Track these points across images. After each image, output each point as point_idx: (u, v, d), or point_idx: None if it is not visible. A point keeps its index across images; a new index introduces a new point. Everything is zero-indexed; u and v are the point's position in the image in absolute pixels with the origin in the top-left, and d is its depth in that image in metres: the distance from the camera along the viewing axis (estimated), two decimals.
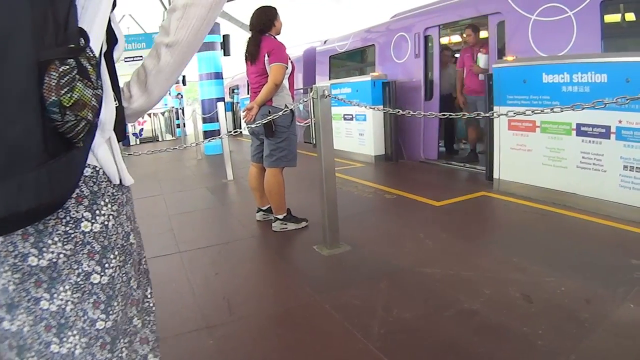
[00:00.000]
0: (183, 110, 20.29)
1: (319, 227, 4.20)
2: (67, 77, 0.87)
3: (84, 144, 0.96)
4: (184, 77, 22.48)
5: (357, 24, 11.71)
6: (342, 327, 2.72)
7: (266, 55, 4.45)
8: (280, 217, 4.70)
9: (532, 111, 3.20)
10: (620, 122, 4.37)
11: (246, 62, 4.76)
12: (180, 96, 22.77)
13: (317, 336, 2.68)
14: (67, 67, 0.88)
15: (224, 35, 12.50)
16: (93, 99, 0.93)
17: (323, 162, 3.92)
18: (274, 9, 4.70)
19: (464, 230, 4.46)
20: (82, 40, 0.94)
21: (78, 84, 0.89)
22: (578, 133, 4.80)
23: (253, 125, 4.46)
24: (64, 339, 1.05)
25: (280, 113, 4.30)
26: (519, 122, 5.46)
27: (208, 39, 11.95)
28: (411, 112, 3.85)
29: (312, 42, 13.86)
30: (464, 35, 8.03)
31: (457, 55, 8.89)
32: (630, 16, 5.80)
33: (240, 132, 4.79)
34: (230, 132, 4.99)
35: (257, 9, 4.67)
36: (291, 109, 4.49)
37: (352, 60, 12.11)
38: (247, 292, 3.40)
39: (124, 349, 1.16)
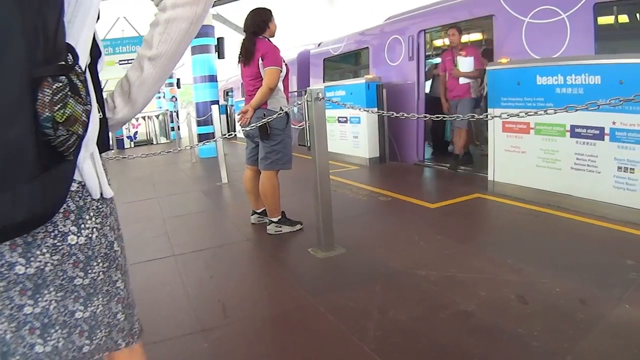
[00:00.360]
0: (177, 113, 20.26)
1: (314, 230, 4.19)
2: (60, 94, 0.91)
3: (73, 157, 1.00)
4: (178, 79, 22.43)
5: (351, 27, 11.70)
6: (338, 330, 2.71)
7: (260, 59, 4.42)
8: (275, 219, 4.68)
9: (526, 113, 3.20)
10: (614, 123, 4.38)
11: (240, 64, 4.73)
12: (174, 99, 22.72)
13: (313, 339, 2.67)
14: (60, 84, 0.91)
15: (218, 38, 12.49)
16: (83, 114, 0.97)
17: (317, 164, 3.92)
18: (269, 10, 4.64)
19: (459, 232, 4.46)
20: (71, 57, 0.97)
21: (70, 100, 0.93)
22: (572, 134, 4.81)
23: (248, 128, 4.44)
24: (48, 338, 1.10)
25: (274, 116, 4.28)
26: (513, 124, 5.47)
27: (203, 42, 12.00)
28: (405, 115, 3.85)
29: (306, 44, 13.87)
30: (450, 36, 7.71)
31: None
32: (623, 18, 5.82)
33: (235, 135, 4.76)
34: (225, 135, 4.96)
35: (251, 10, 4.63)
36: (286, 112, 4.47)
37: (346, 62, 12.12)
38: (241, 295, 3.39)
39: (103, 337, 1.23)
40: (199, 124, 12.43)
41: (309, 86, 11.82)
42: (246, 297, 3.34)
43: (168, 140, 20.59)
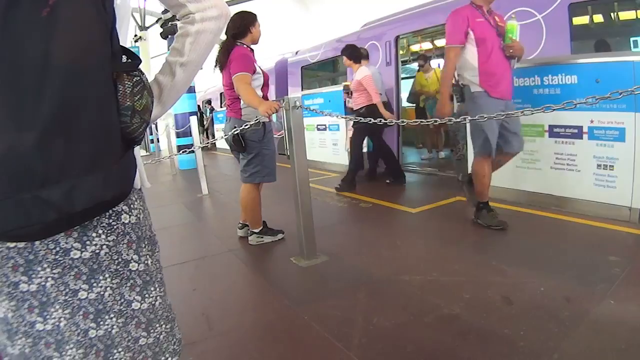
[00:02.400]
0: (156, 125, 20.15)
1: (296, 239, 4.17)
2: (139, 86, 1.06)
3: (139, 142, 1.14)
4: None
5: (327, 33, 11.78)
6: (323, 338, 2.68)
7: (230, 66, 4.24)
8: (256, 230, 4.64)
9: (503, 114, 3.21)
10: (592, 121, 4.42)
11: (217, 69, 4.51)
12: None
13: (298, 348, 2.64)
14: (138, 77, 1.06)
15: None
16: (151, 104, 1.12)
17: (297, 173, 3.89)
18: (253, 15, 4.41)
19: (441, 236, 4.47)
20: (125, 57, 1.09)
21: (145, 92, 1.07)
22: (551, 134, 4.85)
23: (225, 137, 4.37)
24: (101, 323, 1.13)
25: (251, 125, 4.11)
26: None
27: None
28: (383, 120, 3.84)
29: (283, 53, 13.89)
30: None
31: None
32: (598, 18, 5.88)
33: (214, 144, 4.71)
34: (203, 144, 4.90)
35: (235, 14, 4.32)
36: (263, 123, 4.30)
37: (324, 70, 12.14)
38: (225, 307, 3.34)
39: (163, 332, 1.27)
40: (178, 135, 12.36)
41: (287, 95, 11.83)
42: (230, 309, 3.30)
43: (147, 153, 20.45)
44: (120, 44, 1.10)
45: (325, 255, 4.05)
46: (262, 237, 4.64)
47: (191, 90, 12.50)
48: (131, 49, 1.14)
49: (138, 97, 1.04)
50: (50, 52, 0.86)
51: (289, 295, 3.36)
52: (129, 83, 1.03)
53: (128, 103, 1.02)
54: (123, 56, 1.08)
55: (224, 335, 2.88)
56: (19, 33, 0.85)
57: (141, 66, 1.18)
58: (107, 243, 1.11)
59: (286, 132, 3.95)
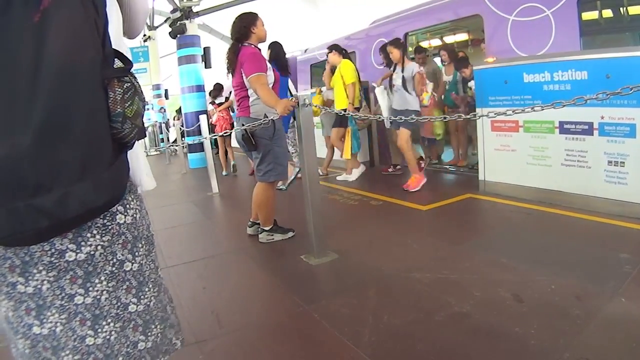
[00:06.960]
0: (167, 125, 20.18)
1: (306, 237, 4.17)
2: (130, 92, 1.06)
3: (131, 147, 1.16)
4: (166, 90, 22.34)
5: (336, 32, 11.74)
6: (333, 336, 2.68)
7: (241, 68, 4.25)
8: (267, 228, 4.64)
9: (513, 111, 3.21)
10: (602, 117, 4.40)
11: (228, 74, 4.54)
12: (163, 110, 22.59)
13: (308, 346, 2.65)
14: (129, 83, 1.06)
15: (204, 48, 12.42)
16: (143, 109, 1.13)
17: (306, 171, 3.89)
18: (253, 15, 4.42)
19: (452, 233, 4.45)
20: (119, 61, 1.10)
21: (136, 97, 1.08)
22: (561, 131, 4.82)
23: (233, 134, 4.36)
24: (99, 330, 1.14)
25: (256, 124, 4.18)
26: (502, 122, 5.47)
27: (189, 52, 12.06)
28: (392, 117, 3.84)
29: (292, 51, 13.87)
30: None
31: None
32: (607, 13, 5.84)
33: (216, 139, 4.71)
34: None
35: (235, 17, 4.44)
36: (272, 120, 4.24)
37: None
38: (235, 305, 3.35)
39: (159, 334, 1.29)
40: (187, 134, 12.40)
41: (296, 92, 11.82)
42: (240, 307, 3.31)
43: (159, 152, 20.52)
44: (116, 46, 1.10)
45: (336, 253, 4.05)
46: (272, 235, 4.64)
47: (200, 89, 12.52)
48: (123, 52, 1.15)
49: (129, 103, 1.05)
50: (41, 59, 0.87)
51: (299, 293, 3.36)
52: (119, 90, 1.03)
53: (119, 110, 1.03)
54: (116, 59, 1.08)
55: (234, 334, 2.89)
56: (11, 39, 0.86)
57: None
58: (102, 243, 1.12)
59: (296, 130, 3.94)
